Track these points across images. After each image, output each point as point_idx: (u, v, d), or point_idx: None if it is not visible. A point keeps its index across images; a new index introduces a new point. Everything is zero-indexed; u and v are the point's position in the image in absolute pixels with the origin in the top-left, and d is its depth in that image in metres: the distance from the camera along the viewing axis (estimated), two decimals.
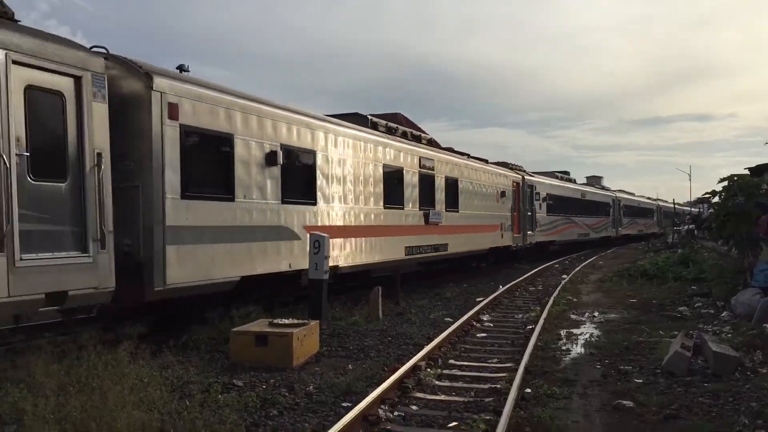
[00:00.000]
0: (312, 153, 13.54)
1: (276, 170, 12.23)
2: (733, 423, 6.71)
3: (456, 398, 7.81)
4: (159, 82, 9.73)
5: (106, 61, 9.02)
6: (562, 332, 12.28)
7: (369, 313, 13.33)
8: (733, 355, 8.97)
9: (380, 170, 16.47)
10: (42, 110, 8.07)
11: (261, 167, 11.87)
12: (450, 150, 22.94)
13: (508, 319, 14.11)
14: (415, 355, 9.50)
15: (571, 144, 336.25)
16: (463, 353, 10.51)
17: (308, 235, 12.64)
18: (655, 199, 73.20)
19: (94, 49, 9.22)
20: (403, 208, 17.68)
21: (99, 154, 8.58)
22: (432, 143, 21.28)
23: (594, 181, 58.00)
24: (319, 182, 13.72)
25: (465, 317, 13.06)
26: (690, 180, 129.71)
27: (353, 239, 15.10)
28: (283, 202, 12.49)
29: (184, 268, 9.93)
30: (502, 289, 18.58)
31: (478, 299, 16.56)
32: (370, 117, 17.36)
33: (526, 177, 30.34)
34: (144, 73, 9.66)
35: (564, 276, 24.16)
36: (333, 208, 14.28)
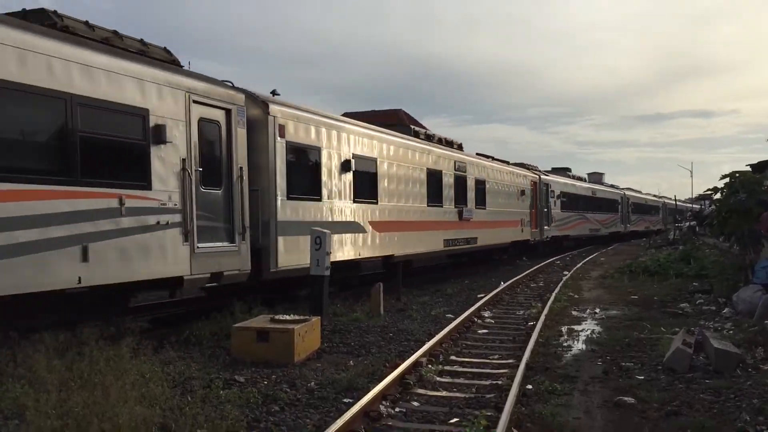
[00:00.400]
0: (374, 161, 16.21)
1: (349, 175, 14.90)
2: (734, 420, 6.71)
3: (457, 394, 7.82)
4: (272, 108, 12.41)
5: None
6: (564, 329, 12.28)
7: (370, 309, 13.34)
8: (734, 352, 8.97)
9: (424, 173, 19.09)
10: (206, 136, 10.87)
11: (339, 173, 14.52)
12: (478, 154, 26.13)
13: (510, 315, 14.12)
14: (416, 351, 9.50)
15: (573, 140, 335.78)
16: (464, 349, 10.52)
17: (371, 228, 15.72)
18: (660, 197, 74.94)
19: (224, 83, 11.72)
20: (442, 206, 20.24)
21: (241, 168, 11.40)
22: (461, 148, 23.62)
23: (595, 177, 58.06)
24: (379, 184, 16.39)
25: (466, 313, 13.07)
26: (691, 176, 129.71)
27: (405, 232, 17.66)
28: (354, 201, 15.09)
29: (289, 254, 12.56)
30: (503, 285, 18.58)
31: (479, 295, 16.57)
32: (412, 127, 20.09)
33: (542, 176, 32.53)
34: (262, 102, 12.31)
35: (565, 272, 24.16)
36: (390, 206, 16.95)
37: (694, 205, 76.00)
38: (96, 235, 8.71)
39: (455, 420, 6.78)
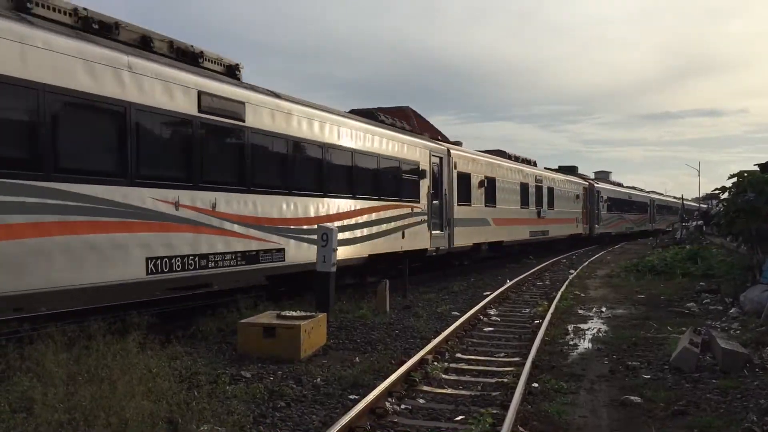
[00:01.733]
0: (494, 179, 24.76)
1: (482, 189, 23.36)
2: (741, 420, 6.68)
3: (463, 392, 7.82)
4: (452, 152, 20.97)
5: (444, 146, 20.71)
6: (570, 327, 12.26)
7: (376, 306, 13.35)
8: (741, 352, 8.94)
9: (518, 186, 27.83)
10: (434, 173, 19.37)
11: (478, 188, 23.03)
12: (546, 168, 36.02)
13: (516, 313, 14.10)
14: (422, 348, 9.51)
15: (579, 139, 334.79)
16: (470, 347, 10.51)
17: (493, 223, 24.31)
18: (679, 199, 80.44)
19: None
20: (528, 208, 28.93)
21: (447, 189, 20.09)
22: (536, 164, 32.52)
23: (602, 176, 58.25)
24: (497, 194, 24.91)
25: (472, 311, 13.06)
26: (699, 176, 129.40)
27: (509, 226, 26.11)
28: (486, 206, 23.72)
29: (459, 238, 20.96)
30: (509, 283, 18.56)
31: (485, 293, 16.55)
32: (511, 153, 29.47)
33: (593, 184, 41.91)
34: (446, 148, 20.76)
35: (571, 271, 24.11)
36: (501, 208, 25.32)
37: (701, 205, 77.05)
38: (406, 225, 17.41)
39: (461, 417, 6.79)
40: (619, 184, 53.41)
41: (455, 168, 20.67)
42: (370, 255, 15.44)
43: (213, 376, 7.75)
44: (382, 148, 16.23)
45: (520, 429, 6.39)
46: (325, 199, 13.75)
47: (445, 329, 11.09)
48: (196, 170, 10.34)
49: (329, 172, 13.88)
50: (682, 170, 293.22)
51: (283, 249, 12.25)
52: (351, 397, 7.35)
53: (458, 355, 9.85)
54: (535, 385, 8.02)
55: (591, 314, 14.10)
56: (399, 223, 16.89)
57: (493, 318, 13.39)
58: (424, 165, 18.54)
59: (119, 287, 9.05)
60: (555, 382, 8.14)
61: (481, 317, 13.19)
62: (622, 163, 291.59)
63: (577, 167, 44.04)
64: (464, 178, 21.60)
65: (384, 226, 16.12)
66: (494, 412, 6.80)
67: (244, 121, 11.36)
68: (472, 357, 9.75)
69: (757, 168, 16.72)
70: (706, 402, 7.36)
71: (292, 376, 8.12)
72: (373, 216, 15.66)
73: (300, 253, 12.69)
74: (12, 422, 5.62)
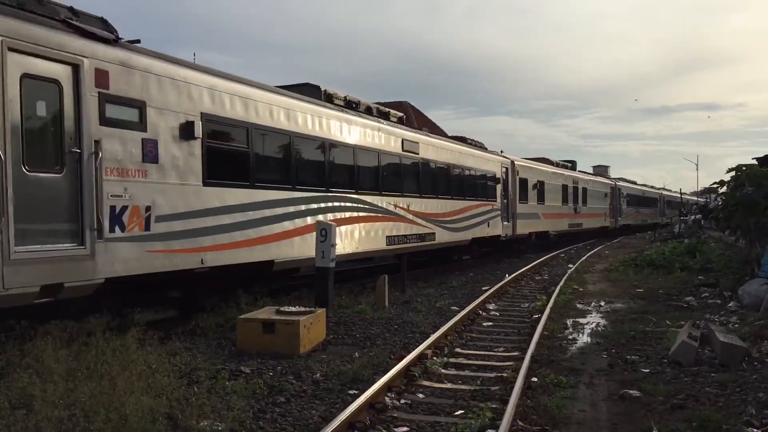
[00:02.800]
0: (543, 182, 31.03)
1: (536, 191, 29.84)
2: (740, 413, 6.70)
3: (462, 386, 7.83)
4: (516, 163, 27.72)
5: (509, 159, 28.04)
6: (569, 321, 12.27)
7: (375, 302, 13.34)
8: (740, 346, 8.95)
9: (560, 186, 34.35)
10: (504, 178, 26.49)
11: (533, 189, 29.46)
12: (581, 171, 43.40)
13: (514, 308, 14.12)
14: (421, 343, 9.52)
15: (578, 133, 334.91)
16: (469, 342, 10.53)
17: (542, 217, 30.84)
18: (683, 193, 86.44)
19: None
20: (567, 204, 35.50)
21: (511, 191, 26.67)
22: (574, 166, 41.68)
23: (601, 170, 58.22)
24: (546, 194, 31.31)
25: (471, 306, 13.07)
26: (697, 170, 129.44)
27: (553, 219, 32.61)
28: (537, 203, 30.16)
29: (520, 228, 27.38)
30: (508, 278, 18.58)
31: (484, 288, 16.57)
32: (553, 160, 36.22)
33: (617, 183, 49.50)
34: (511, 160, 27.35)
35: (570, 265, 24.13)
36: (548, 204, 31.69)
37: (699, 199, 77.84)
38: (490, 218, 23.88)
39: (460, 412, 6.80)
40: (634, 183, 60.47)
41: (517, 174, 27.75)
42: (473, 238, 22.65)
43: (212, 371, 7.75)
44: (477, 165, 23.45)
45: (520, 423, 6.40)
46: (452, 200, 20.72)
47: (444, 324, 11.10)
48: (400, 185, 17.42)
49: (454, 182, 21.30)
50: (681, 164, 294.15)
51: (434, 233, 19.28)
52: (350, 392, 7.36)
53: (457, 349, 9.86)
54: (535, 379, 8.02)
55: (590, 308, 14.11)
56: (486, 216, 23.80)
57: (492, 313, 13.41)
58: (498, 173, 25.47)
59: (376, 252, 16.26)
60: (554, 377, 8.15)
61: (480, 312, 13.21)
62: (620, 157, 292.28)
63: (576, 162, 44.06)
64: (523, 182, 28.49)
65: (479, 219, 23.11)
66: (494, 406, 6.82)
67: (418, 154, 18.53)
68: (472, 352, 9.76)
69: (755, 162, 16.72)
70: (705, 395, 7.38)
71: (291, 372, 8.12)
72: (474, 211, 22.71)
73: (444, 235, 20.07)
74: (12, 419, 5.62)
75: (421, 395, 7.47)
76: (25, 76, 7.65)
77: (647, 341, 10.39)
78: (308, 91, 14.26)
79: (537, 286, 18.03)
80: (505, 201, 26.00)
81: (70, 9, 8.90)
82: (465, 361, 9.12)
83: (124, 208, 8.78)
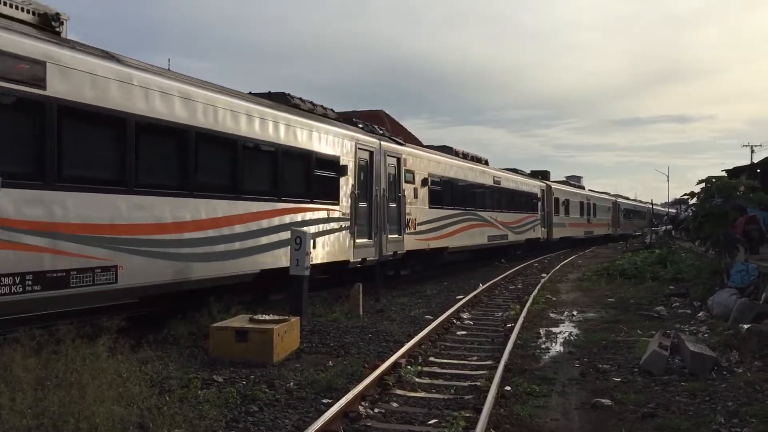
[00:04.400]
0: (568, 200, 41.34)
1: (564, 206, 40.49)
2: (709, 422, 6.80)
3: (436, 395, 7.84)
4: (551, 185, 39.50)
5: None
6: (542, 331, 12.35)
7: (349, 310, 13.32)
8: (709, 355, 9.09)
9: (579, 203, 44.45)
10: (542, 197, 37.06)
11: (561, 206, 39.87)
12: (590, 190, 55.08)
13: (488, 317, 14.18)
14: (395, 352, 9.51)
15: (552, 143, 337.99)
16: (443, 351, 10.54)
17: (568, 225, 42.07)
18: (664, 207, 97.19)
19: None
20: (582, 216, 45.55)
21: (547, 206, 37.19)
22: (583, 187, 53.66)
23: (573, 180, 58.78)
24: (570, 208, 41.77)
25: (445, 315, 13.10)
26: (668, 180, 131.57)
27: (575, 227, 44.02)
28: (564, 215, 40.64)
29: (553, 233, 38.45)
30: (482, 287, 18.65)
31: (458, 297, 16.62)
32: (574, 183, 52.49)
33: (617, 199, 62.62)
34: (546, 184, 38.73)
35: (543, 275, 24.31)
36: (570, 217, 42.12)
37: (669, 210, 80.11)
38: (533, 226, 34.32)
39: (434, 421, 6.81)
40: (627, 198, 75.75)
41: (552, 194, 37.81)
42: (525, 239, 32.78)
43: (184, 380, 7.68)
44: (527, 189, 33.36)
45: None
46: (515, 213, 30.58)
47: (419, 333, 11.10)
48: (492, 204, 27.43)
49: (516, 201, 30.89)
50: (652, 175, 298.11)
51: (507, 234, 29.37)
52: (324, 401, 7.33)
53: (431, 358, 9.87)
54: (508, 388, 8.07)
55: (562, 318, 14.23)
56: (533, 224, 33.74)
57: (466, 321, 13.45)
58: (539, 194, 35.32)
59: (479, 245, 26.12)
60: (527, 386, 8.20)
61: (454, 321, 13.24)
62: (593, 167, 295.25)
63: (549, 172, 44.58)
64: (556, 200, 38.41)
65: (529, 226, 32.95)
66: (467, 415, 6.84)
67: (501, 185, 28.86)
68: (446, 360, 9.78)
69: (724, 174, 17.04)
70: (675, 404, 7.47)
71: (264, 380, 8.06)
72: (527, 221, 32.66)
73: (512, 237, 30.17)
74: None
75: (395, 404, 7.47)
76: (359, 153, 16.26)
77: (619, 350, 10.50)
78: (445, 148, 24.68)
79: (510, 296, 18.11)
80: (543, 213, 35.77)
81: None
82: (439, 370, 9.14)
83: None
